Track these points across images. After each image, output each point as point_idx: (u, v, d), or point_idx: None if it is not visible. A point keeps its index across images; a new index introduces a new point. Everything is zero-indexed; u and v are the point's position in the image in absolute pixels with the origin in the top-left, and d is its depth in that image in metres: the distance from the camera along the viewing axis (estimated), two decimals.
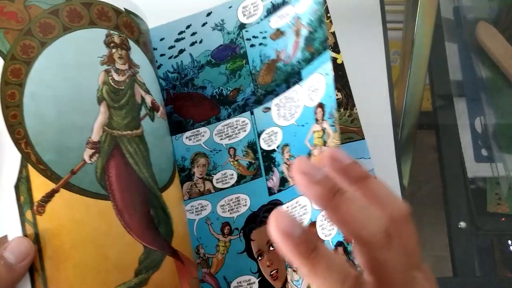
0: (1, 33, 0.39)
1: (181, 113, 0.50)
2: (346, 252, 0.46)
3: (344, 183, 0.32)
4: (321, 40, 0.48)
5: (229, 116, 0.50)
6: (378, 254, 0.30)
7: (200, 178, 0.49)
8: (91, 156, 0.41)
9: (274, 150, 0.49)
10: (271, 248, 0.47)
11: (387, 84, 0.60)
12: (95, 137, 0.41)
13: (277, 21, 0.51)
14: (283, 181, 0.48)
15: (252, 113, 0.50)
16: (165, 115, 0.48)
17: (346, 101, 0.56)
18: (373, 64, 0.61)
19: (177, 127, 0.50)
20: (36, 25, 0.40)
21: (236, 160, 0.49)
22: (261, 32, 0.51)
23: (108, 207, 0.41)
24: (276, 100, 0.50)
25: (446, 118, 0.71)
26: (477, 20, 0.76)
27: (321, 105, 0.47)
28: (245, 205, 0.48)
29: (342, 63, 0.56)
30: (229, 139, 0.50)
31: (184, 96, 0.51)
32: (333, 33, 0.57)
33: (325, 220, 0.46)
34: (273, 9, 0.52)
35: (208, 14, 0.52)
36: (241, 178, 0.49)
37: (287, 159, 0.49)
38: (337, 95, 0.55)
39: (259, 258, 0.47)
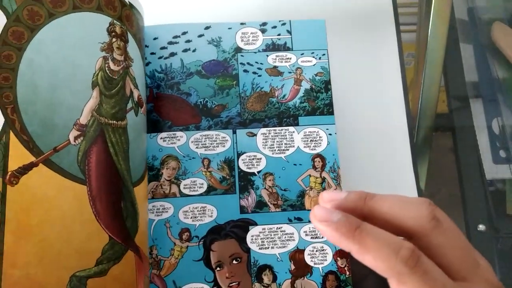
0: None
1: (161, 114, 0.50)
2: (338, 280, 0.46)
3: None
4: (326, 102, 0.51)
5: (209, 128, 0.50)
6: (434, 238, 0.30)
7: (167, 180, 0.48)
8: (76, 138, 0.41)
9: (254, 174, 0.49)
10: (234, 262, 0.47)
11: (402, 87, 0.60)
12: (83, 119, 0.42)
13: (275, 59, 0.52)
14: (261, 205, 0.48)
15: (234, 132, 0.50)
16: (146, 112, 0.49)
17: None
18: (387, 66, 0.61)
19: (153, 126, 0.50)
20: None
21: (209, 172, 0.49)
22: (256, 62, 0.52)
23: (83, 192, 0.41)
24: (263, 130, 0.50)
25: (462, 120, 0.70)
26: (492, 21, 0.76)
27: (320, 157, 0.50)
28: (211, 216, 0.48)
29: None
30: (205, 150, 0.49)
31: (167, 98, 0.51)
32: None
33: (316, 250, 0.47)
34: (272, 47, 0.52)
35: (207, 28, 0.52)
36: (211, 190, 0.48)
37: (270, 186, 0.49)
38: None
39: (218, 268, 0.47)
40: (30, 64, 0.40)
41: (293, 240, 0.48)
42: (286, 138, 0.50)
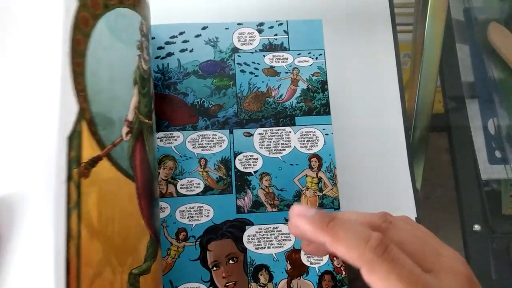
0: None
1: (157, 113, 0.50)
2: (335, 280, 0.47)
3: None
4: (323, 102, 0.51)
5: (206, 128, 0.50)
6: (390, 236, 0.33)
7: (164, 180, 0.48)
8: (126, 134, 0.40)
9: (250, 174, 0.49)
10: (231, 262, 0.47)
11: (398, 87, 0.60)
12: (130, 116, 0.41)
13: (272, 59, 0.52)
14: (258, 205, 0.49)
15: (231, 132, 0.50)
16: None
17: None
18: (384, 66, 0.61)
19: None
20: None
21: (206, 172, 0.49)
22: (253, 62, 0.52)
23: (133, 189, 0.40)
24: (260, 130, 0.50)
25: (458, 120, 0.70)
26: (488, 21, 0.76)
27: (317, 157, 0.50)
28: (207, 216, 0.48)
29: None
30: (202, 150, 0.50)
31: (163, 97, 0.51)
32: None
33: None
34: (269, 47, 0.52)
35: (204, 28, 0.52)
36: (208, 189, 0.49)
37: (266, 186, 0.49)
38: None
39: (214, 268, 0.47)
40: (94, 53, 0.38)
41: (290, 240, 0.48)
42: (283, 138, 0.50)
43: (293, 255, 0.47)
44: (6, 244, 0.33)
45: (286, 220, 0.48)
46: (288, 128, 0.50)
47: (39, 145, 0.34)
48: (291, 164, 0.50)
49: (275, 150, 0.50)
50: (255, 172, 0.49)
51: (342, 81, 0.58)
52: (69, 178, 0.34)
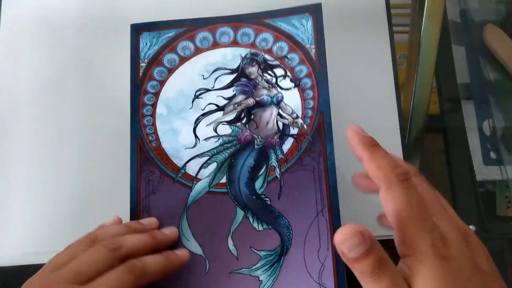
0: None
1: None
2: None
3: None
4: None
5: None
6: (407, 188, 0.36)
7: None
8: None
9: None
10: None
11: (394, 88, 0.60)
12: None
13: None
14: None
15: None
16: None
17: None
18: (380, 67, 0.61)
19: None
20: None
21: None
22: None
23: None
24: None
25: (454, 121, 0.70)
26: (484, 23, 0.76)
27: None
28: None
29: None
30: None
31: None
32: None
33: None
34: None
35: None
36: None
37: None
38: None
39: None
40: None
41: None
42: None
43: None
44: None
45: None
46: None
47: None
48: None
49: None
50: None
51: (338, 82, 0.58)
52: None
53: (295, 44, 0.54)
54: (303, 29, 0.54)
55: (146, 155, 0.52)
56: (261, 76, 0.54)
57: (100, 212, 0.55)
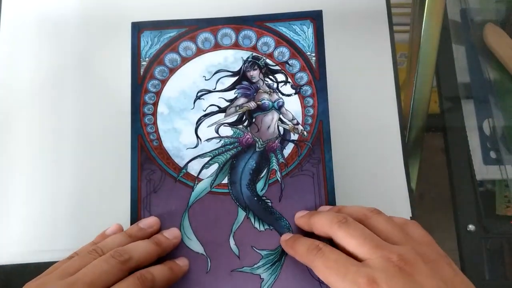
0: None
1: None
2: None
3: None
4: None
5: None
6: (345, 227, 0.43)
7: None
8: None
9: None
10: None
11: (394, 87, 0.60)
12: None
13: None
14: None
15: None
16: None
17: None
18: (380, 66, 0.61)
19: None
20: None
21: None
22: None
23: None
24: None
25: (454, 121, 0.70)
26: (484, 22, 0.76)
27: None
28: None
29: None
30: None
31: None
32: None
33: None
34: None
35: None
36: None
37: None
38: None
39: None
40: None
41: None
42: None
43: None
44: None
45: None
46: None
47: None
48: None
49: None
50: None
51: (338, 81, 0.58)
52: None
53: (296, 50, 0.54)
54: (304, 35, 0.54)
55: (147, 154, 0.52)
56: (263, 80, 0.54)
57: (100, 210, 0.55)
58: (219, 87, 0.54)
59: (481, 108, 0.71)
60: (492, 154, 0.69)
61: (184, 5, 0.61)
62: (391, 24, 0.63)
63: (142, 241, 0.46)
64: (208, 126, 0.53)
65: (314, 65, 0.54)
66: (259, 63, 0.54)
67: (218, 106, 0.53)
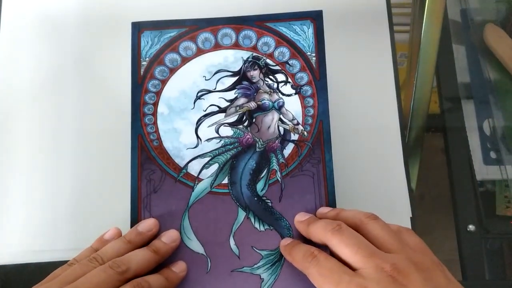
0: None
1: None
2: None
3: None
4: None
5: None
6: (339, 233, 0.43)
7: None
8: None
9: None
10: None
11: (394, 87, 0.60)
12: None
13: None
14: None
15: None
16: None
17: None
18: (380, 66, 0.61)
19: None
20: None
21: None
22: None
23: None
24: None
25: (454, 121, 0.70)
26: (484, 22, 0.76)
27: None
28: None
29: None
30: None
31: None
32: None
33: None
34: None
35: None
36: None
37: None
38: None
39: None
40: None
41: None
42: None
43: None
44: None
45: None
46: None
47: None
48: None
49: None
50: None
51: (339, 81, 0.58)
52: None
53: (296, 50, 0.54)
54: (304, 35, 0.54)
55: (147, 154, 0.52)
56: (263, 80, 0.54)
57: (100, 210, 0.55)
58: (219, 87, 0.54)
59: (481, 108, 0.71)
60: (492, 154, 0.69)
61: (185, 5, 0.61)
62: (391, 24, 0.63)
63: (140, 250, 0.46)
64: (208, 126, 0.53)
65: (314, 65, 0.54)
66: (259, 63, 0.54)
67: (218, 106, 0.53)
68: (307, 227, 0.47)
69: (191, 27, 0.55)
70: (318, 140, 0.52)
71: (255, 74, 0.54)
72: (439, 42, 0.65)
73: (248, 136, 0.53)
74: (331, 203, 0.51)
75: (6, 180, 0.57)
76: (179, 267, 0.48)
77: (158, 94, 0.53)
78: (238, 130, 0.53)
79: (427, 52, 0.64)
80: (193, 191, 0.51)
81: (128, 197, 0.51)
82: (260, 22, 0.55)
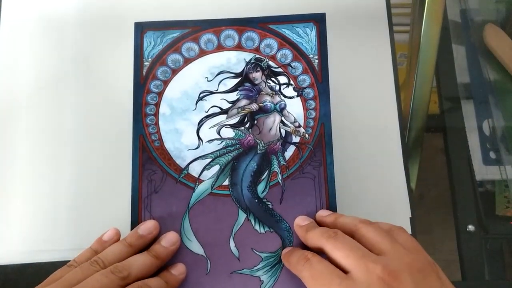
0: None
1: None
2: None
3: None
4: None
5: None
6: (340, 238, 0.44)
7: None
8: None
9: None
10: None
11: (394, 87, 0.60)
12: None
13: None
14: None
15: None
16: None
17: None
18: (380, 67, 0.61)
19: None
20: None
21: None
22: None
23: None
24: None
25: (453, 121, 0.70)
26: (484, 23, 0.76)
27: None
28: None
29: None
30: None
31: None
32: None
33: None
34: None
35: None
36: None
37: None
38: None
39: None
40: None
41: None
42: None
43: None
44: None
45: None
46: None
47: None
48: None
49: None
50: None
51: (338, 81, 0.58)
52: None
53: (298, 52, 0.54)
54: (307, 38, 0.54)
55: (149, 154, 0.52)
56: (265, 82, 0.54)
57: (101, 210, 0.55)
58: (221, 89, 0.54)
59: (481, 108, 0.71)
60: (492, 155, 0.69)
61: (188, 6, 0.61)
62: (391, 24, 0.63)
63: (141, 255, 0.47)
64: (210, 127, 0.53)
65: (316, 68, 0.54)
66: (262, 65, 0.54)
67: (220, 108, 0.53)
68: (305, 233, 0.48)
69: (194, 28, 0.55)
70: (319, 142, 0.53)
71: (257, 76, 0.54)
72: (439, 42, 0.65)
73: (250, 137, 0.53)
74: (332, 205, 0.51)
75: (6, 180, 0.57)
76: (178, 270, 0.49)
77: (160, 94, 0.53)
78: (240, 132, 0.53)
79: (427, 52, 0.64)
80: (193, 192, 0.51)
81: (128, 198, 0.51)
82: (263, 24, 0.55)
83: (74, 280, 0.42)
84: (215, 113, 0.53)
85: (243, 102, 0.54)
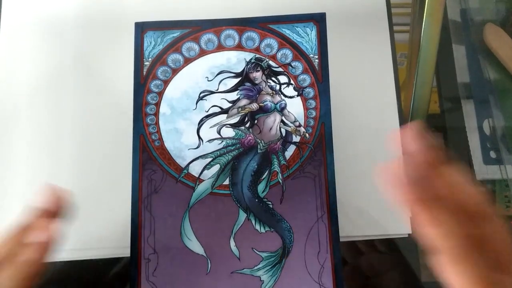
0: None
1: None
2: None
3: None
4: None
5: None
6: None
7: None
8: None
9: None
10: None
11: (394, 87, 0.60)
12: None
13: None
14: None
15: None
16: None
17: None
18: (380, 66, 0.61)
19: None
20: None
21: None
22: None
23: None
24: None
25: (454, 121, 0.70)
26: (484, 22, 0.76)
27: None
28: None
29: None
30: None
31: None
32: None
33: None
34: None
35: None
36: None
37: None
38: None
39: None
40: None
41: None
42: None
43: None
44: None
45: None
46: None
47: None
48: None
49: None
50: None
51: (339, 81, 0.58)
52: None
53: (299, 52, 0.54)
54: (307, 38, 0.55)
55: (149, 154, 0.52)
56: (265, 82, 0.54)
57: (101, 210, 0.55)
58: (221, 88, 0.54)
59: (481, 108, 0.71)
60: (492, 154, 0.69)
61: (188, 6, 0.61)
62: (391, 24, 0.63)
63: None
64: (210, 127, 0.53)
65: (317, 68, 0.54)
66: (262, 64, 0.54)
67: (220, 107, 0.53)
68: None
69: (194, 28, 0.55)
70: (320, 142, 0.53)
71: (257, 75, 0.54)
72: (439, 42, 0.65)
73: (250, 137, 0.53)
74: (332, 205, 0.51)
75: (6, 180, 0.57)
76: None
77: (160, 94, 0.53)
78: (240, 131, 0.53)
79: (427, 52, 0.64)
80: (194, 191, 0.51)
81: (129, 197, 0.51)
82: (264, 24, 0.55)
83: None
84: (216, 112, 0.53)
85: (244, 101, 0.54)
